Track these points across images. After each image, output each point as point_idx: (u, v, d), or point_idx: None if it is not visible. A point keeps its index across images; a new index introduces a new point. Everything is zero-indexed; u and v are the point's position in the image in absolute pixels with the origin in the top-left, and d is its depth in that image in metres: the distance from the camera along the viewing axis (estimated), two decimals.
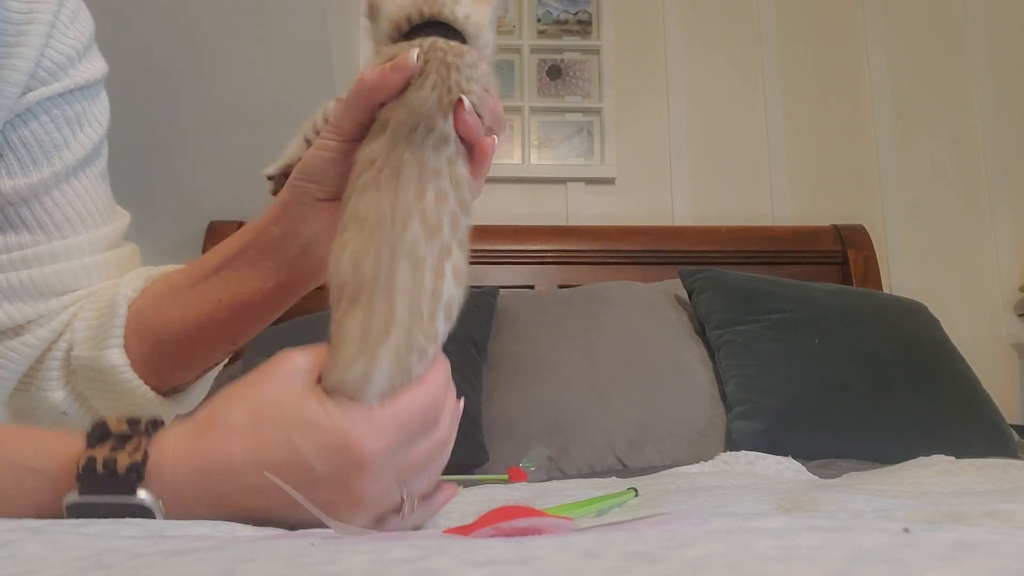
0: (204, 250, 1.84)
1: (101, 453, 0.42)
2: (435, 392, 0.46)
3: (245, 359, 1.65)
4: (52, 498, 0.42)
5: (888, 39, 2.42)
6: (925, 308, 1.82)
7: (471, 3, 0.50)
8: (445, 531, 0.37)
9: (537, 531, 0.35)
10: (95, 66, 0.65)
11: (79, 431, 0.44)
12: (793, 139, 2.35)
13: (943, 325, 1.78)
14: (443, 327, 0.46)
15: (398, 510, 0.46)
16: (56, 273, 0.62)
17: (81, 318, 0.63)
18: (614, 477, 1.14)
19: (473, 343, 1.57)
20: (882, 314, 1.74)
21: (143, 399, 0.61)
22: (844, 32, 2.42)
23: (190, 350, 0.62)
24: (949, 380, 1.63)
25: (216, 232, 2.03)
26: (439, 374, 0.47)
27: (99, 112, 0.65)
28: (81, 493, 0.41)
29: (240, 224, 1.93)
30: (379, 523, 0.46)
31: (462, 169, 0.48)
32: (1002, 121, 2.38)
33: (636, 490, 0.74)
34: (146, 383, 0.61)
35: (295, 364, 0.45)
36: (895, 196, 2.34)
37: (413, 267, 0.44)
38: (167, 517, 0.41)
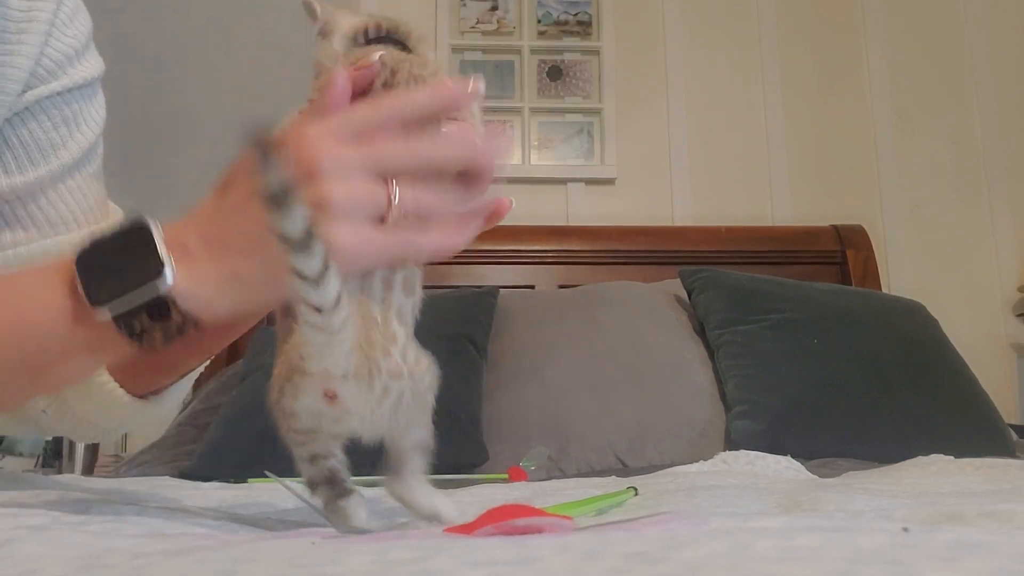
0: None
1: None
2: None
3: (246, 359, 1.65)
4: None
5: (888, 39, 2.42)
6: (924, 308, 1.82)
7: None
8: (445, 530, 0.37)
9: (537, 530, 0.35)
10: (92, 65, 0.65)
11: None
12: (793, 139, 2.35)
13: (942, 325, 1.78)
14: (400, 329, 0.46)
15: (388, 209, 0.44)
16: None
17: None
18: (614, 477, 1.14)
19: (473, 343, 1.57)
20: (881, 314, 1.74)
21: (119, 403, 0.61)
22: (844, 32, 2.42)
23: (165, 360, 0.61)
24: (948, 380, 1.63)
25: None
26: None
27: (95, 112, 0.65)
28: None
29: None
30: (384, 228, 0.44)
31: None
32: (1002, 121, 2.38)
33: (636, 489, 0.74)
34: (122, 386, 0.61)
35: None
36: (895, 196, 2.34)
37: (363, 278, 0.45)
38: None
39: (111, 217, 0.68)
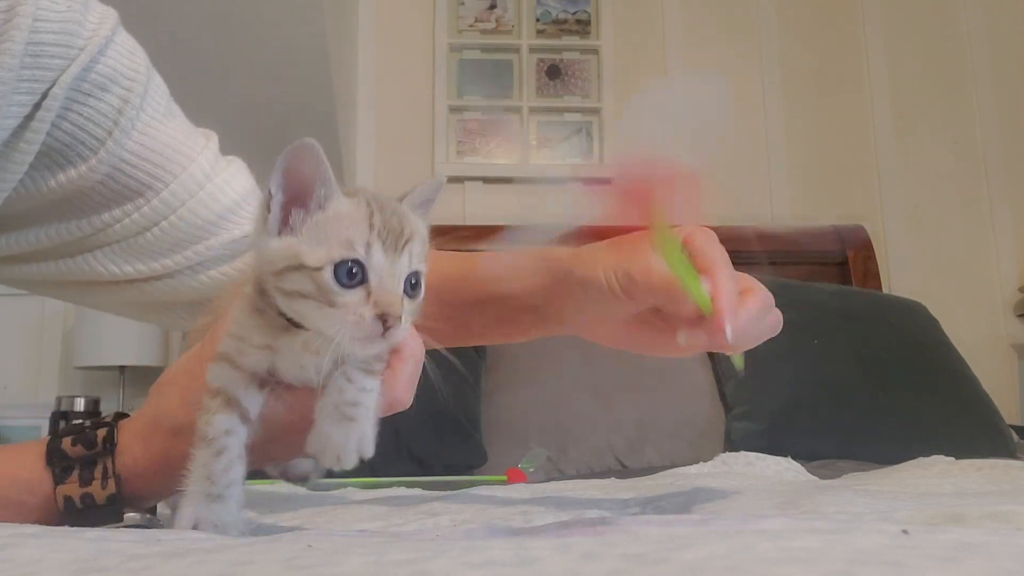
0: None
1: (73, 490, 0.47)
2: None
3: None
4: (43, 518, 0.47)
5: (888, 39, 2.42)
6: (925, 308, 1.82)
7: None
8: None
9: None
10: (102, 21, 0.61)
11: (38, 449, 0.49)
12: (793, 139, 2.35)
13: (943, 325, 1.78)
14: None
15: None
16: (182, 220, 0.64)
17: None
18: (613, 478, 1.13)
19: None
20: (882, 314, 1.74)
21: None
22: (844, 32, 2.42)
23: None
24: (949, 380, 1.62)
25: None
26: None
27: (127, 60, 0.63)
28: (73, 525, 0.45)
29: None
30: None
31: None
32: (1002, 121, 2.38)
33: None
34: None
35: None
36: (895, 196, 2.33)
37: None
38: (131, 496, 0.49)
39: (209, 141, 0.68)
